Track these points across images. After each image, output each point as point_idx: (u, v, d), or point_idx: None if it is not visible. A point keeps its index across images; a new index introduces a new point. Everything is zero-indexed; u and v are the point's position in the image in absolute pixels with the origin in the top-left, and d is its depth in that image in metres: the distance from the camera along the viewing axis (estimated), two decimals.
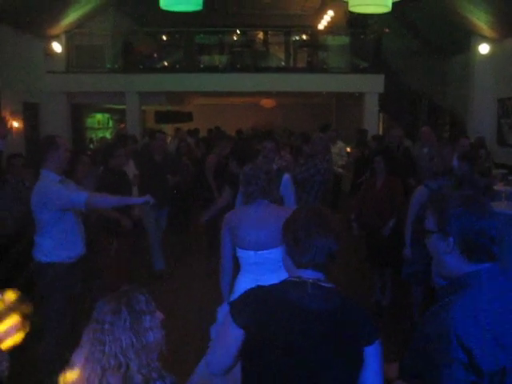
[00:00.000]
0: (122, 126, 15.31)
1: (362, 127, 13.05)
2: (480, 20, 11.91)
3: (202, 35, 15.85)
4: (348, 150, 11.55)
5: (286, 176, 5.32)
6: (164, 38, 16.02)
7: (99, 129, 17.38)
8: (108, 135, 16.20)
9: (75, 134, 14.78)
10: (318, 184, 6.36)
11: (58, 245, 4.26)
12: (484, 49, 12.72)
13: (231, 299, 3.40)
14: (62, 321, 4.30)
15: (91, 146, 15.49)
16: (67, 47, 14.06)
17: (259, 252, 3.58)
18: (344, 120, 18.58)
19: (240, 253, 3.70)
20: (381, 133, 15.20)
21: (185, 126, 17.05)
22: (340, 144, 10.66)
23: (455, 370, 1.69)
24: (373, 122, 14.32)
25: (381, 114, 16.24)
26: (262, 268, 3.62)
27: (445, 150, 6.29)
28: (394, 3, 8.42)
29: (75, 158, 5.24)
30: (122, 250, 5.83)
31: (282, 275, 2.17)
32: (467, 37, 12.96)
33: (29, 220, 4.52)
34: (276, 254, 3.42)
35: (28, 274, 4.74)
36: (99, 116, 17.61)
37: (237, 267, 3.81)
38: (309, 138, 8.31)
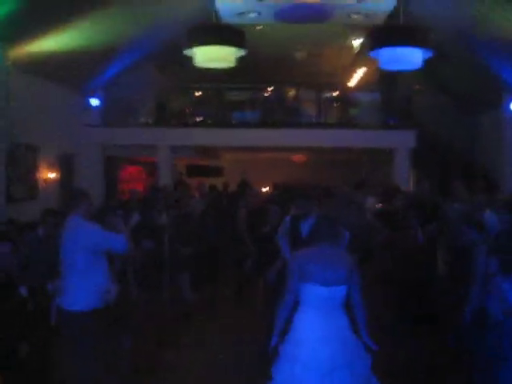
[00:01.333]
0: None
1: (393, 183, 12.96)
2: (510, 77, 11.92)
3: (233, 92, 16.17)
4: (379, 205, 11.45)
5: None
6: (196, 94, 16.39)
7: (131, 181, 17.64)
8: (140, 187, 16.39)
9: (108, 186, 15.02)
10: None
11: (94, 289, 4.28)
12: None
13: (290, 334, 3.83)
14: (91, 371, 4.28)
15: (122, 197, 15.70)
16: (104, 101, 14.49)
17: (330, 288, 3.81)
18: (375, 176, 18.51)
19: (307, 287, 3.85)
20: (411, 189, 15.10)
21: (216, 181, 17.25)
22: (371, 199, 10.59)
23: None
24: (404, 178, 14.23)
25: (412, 171, 16.16)
26: (331, 304, 3.85)
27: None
28: (424, 60, 8.56)
29: (107, 211, 5.29)
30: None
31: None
32: (498, 94, 12.96)
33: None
34: (343, 291, 3.85)
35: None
36: (132, 169, 17.91)
37: None
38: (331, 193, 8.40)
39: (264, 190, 18.69)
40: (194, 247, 7.90)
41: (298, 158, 19.05)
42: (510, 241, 3.99)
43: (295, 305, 3.97)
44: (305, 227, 5.70)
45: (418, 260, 5.94)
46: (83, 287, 4.28)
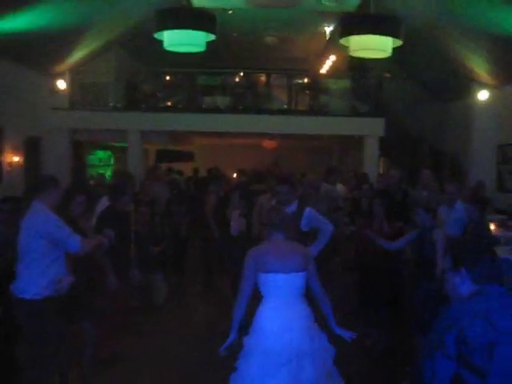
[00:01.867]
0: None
1: (362, 171, 13.06)
2: (479, 67, 12.06)
3: (204, 76, 16.05)
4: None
5: (308, 210, 5.73)
6: (167, 78, 16.23)
7: (100, 166, 17.43)
8: (108, 172, 16.23)
9: (75, 171, 14.79)
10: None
11: (46, 277, 4.21)
12: (483, 95, 12.85)
13: (253, 325, 3.87)
14: (53, 361, 4.22)
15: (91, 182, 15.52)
16: (71, 85, 14.23)
17: (288, 275, 3.88)
18: (344, 163, 18.65)
19: (266, 277, 3.90)
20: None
21: (186, 166, 17.15)
22: (339, 187, 10.64)
23: None
24: (373, 165, 14.35)
25: (381, 158, 16.31)
26: (290, 292, 3.91)
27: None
28: (393, 48, 8.58)
29: (71, 196, 5.19)
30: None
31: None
32: (467, 83, 13.11)
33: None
34: (302, 278, 3.93)
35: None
36: (101, 153, 17.68)
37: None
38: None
39: (235, 175, 18.67)
40: (164, 244, 7.84)
41: (269, 144, 19.04)
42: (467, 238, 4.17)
43: (258, 299, 4.02)
44: None
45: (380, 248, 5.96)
46: (35, 275, 4.19)
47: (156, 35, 8.67)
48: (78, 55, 13.20)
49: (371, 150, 14.50)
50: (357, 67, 15.79)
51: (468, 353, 2.32)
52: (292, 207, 5.72)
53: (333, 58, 18.11)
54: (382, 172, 15.54)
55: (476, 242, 2.73)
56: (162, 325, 6.89)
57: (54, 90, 13.79)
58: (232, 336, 3.99)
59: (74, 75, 14.26)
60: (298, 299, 3.95)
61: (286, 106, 16.01)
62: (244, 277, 3.99)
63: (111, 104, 15.08)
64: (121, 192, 6.12)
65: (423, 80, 15.49)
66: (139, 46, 14.20)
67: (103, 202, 6.73)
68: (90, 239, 4.72)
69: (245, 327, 3.99)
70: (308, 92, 16.41)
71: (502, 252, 6.29)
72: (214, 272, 8.74)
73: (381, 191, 7.65)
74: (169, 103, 15.82)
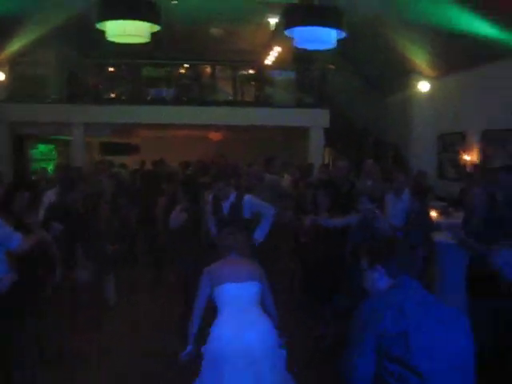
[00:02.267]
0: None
1: (307, 162, 13.22)
2: (419, 59, 12.38)
3: (149, 68, 15.84)
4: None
5: (247, 197, 6.00)
6: (110, 69, 15.94)
7: (42, 160, 16.98)
8: (51, 166, 15.82)
9: (17, 165, 14.38)
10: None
11: None
12: (423, 86, 13.21)
13: (211, 334, 3.96)
14: None
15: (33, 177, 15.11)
16: (10, 76, 13.78)
17: (242, 284, 4.03)
18: (290, 154, 18.78)
19: (222, 288, 4.03)
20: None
21: (131, 159, 16.91)
22: (287, 177, 10.74)
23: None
24: (318, 156, 14.54)
25: (327, 149, 16.53)
26: (246, 301, 4.03)
27: None
28: (338, 41, 8.70)
29: (14, 191, 5.06)
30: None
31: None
32: (407, 75, 13.44)
33: None
34: (256, 286, 4.07)
35: None
36: (42, 147, 17.23)
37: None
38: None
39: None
40: (119, 243, 7.71)
41: (214, 135, 19.00)
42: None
43: (215, 311, 4.14)
44: (226, 206, 5.99)
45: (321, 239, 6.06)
46: None
47: (98, 25, 8.49)
48: (17, 45, 12.79)
49: (316, 141, 14.70)
50: (302, 59, 15.93)
51: (386, 345, 2.42)
52: (231, 199, 5.97)
53: (278, 49, 18.17)
54: (327, 163, 15.78)
55: (388, 239, 2.91)
56: (111, 323, 6.79)
57: None
58: (189, 347, 4.09)
59: (14, 66, 13.82)
60: (254, 307, 4.07)
61: (231, 98, 16.00)
62: (198, 293, 4.11)
63: (53, 96, 14.69)
64: (69, 187, 6.01)
65: (366, 72, 15.78)
66: (81, 36, 13.85)
67: (49, 195, 6.59)
68: (31, 236, 4.63)
69: (203, 337, 4.05)
70: (253, 83, 16.46)
71: (444, 238, 6.51)
72: (163, 267, 8.67)
73: (326, 182, 7.76)
74: (113, 95, 15.54)
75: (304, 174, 10.63)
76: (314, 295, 6.29)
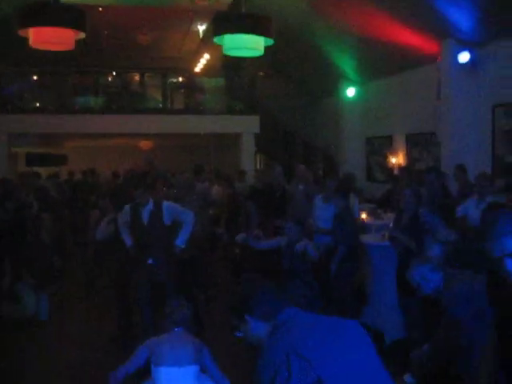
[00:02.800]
0: None
1: (239, 167, 13.28)
2: (346, 65, 12.70)
3: (76, 75, 15.48)
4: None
5: (165, 204, 5.90)
6: (35, 77, 15.47)
7: None
8: None
9: None
10: None
11: None
12: (350, 92, 13.55)
13: None
14: None
15: None
16: None
17: (181, 368, 3.82)
18: (222, 161, 18.82)
19: (162, 371, 3.83)
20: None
21: (59, 169, 16.45)
22: (216, 187, 10.70)
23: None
24: (250, 162, 14.64)
25: (258, 155, 16.67)
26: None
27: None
28: (266, 47, 8.79)
29: None
30: None
31: None
32: (335, 80, 13.75)
33: None
34: (195, 369, 3.89)
35: None
36: None
37: None
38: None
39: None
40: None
41: (145, 144, 18.76)
42: None
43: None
44: (145, 214, 5.87)
45: None
46: None
47: (20, 32, 8.23)
48: None
49: (247, 146, 14.80)
50: (231, 66, 16.02)
51: None
52: (149, 206, 5.87)
53: (207, 56, 18.19)
54: (261, 168, 15.91)
55: (249, 287, 2.63)
56: (45, 338, 6.53)
57: None
58: None
59: None
60: None
61: (161, 105, 15.87)
62: (130, 359, 3.94)
63: None
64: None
65: (296, 78, 16.03)
66: (4, 43, 13.38)
67: None
68: None
69: None
70: (183, 91, 16.39)
71: (373, 239, 6.69)
72: (93, 280, 8.44)
73: (256, 191, 7.85)
74: (37, 104, 15.08)
75: (230, 182, 10.58)
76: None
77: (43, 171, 14.67)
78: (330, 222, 6.43)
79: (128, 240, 5.94)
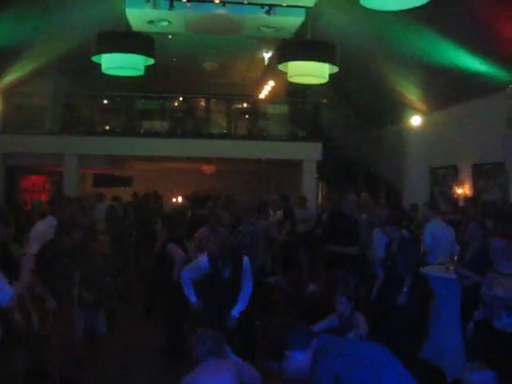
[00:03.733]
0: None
1: (301, 194, 13.24)
2: (411, 93, 12.54)
3: (143, 100, 15.95)
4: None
5: (246, 259, 5.39)
6: (105, 101, 16.04)
7: (34, 191, 16.93)
8: (43, 198, 15.75)
9: (8, 196, 14.32)
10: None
11: None
12: (415, 121, 13.35)
13: None
14: None
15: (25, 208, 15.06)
16: (5, 107, 13.83)
17: None
18: (283, 187, 18.86)
19: None
20: (320, 200, 15.50)
21: (124, 191, 16.89)
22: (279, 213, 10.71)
23: None
24: (312, 189, 14.58)
25: (320, 182, 16.60)
26: None
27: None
28: (330, 75, 8.82)
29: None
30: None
31: None
32: (400, 109, 13.59)
33: None
34: None
35: None
36: (35, 178, 17.19)
37: None
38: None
39: (174, 200, 18.54)
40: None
41: (208, 168, 19.04)
42: None
43: None
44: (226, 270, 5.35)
45: None
46: None
47: (94, 58, 8.58)
48: (12, 76, 12.87)
49: (309, 173, 14.74)
50: (295, 93, 16.12)
51: None
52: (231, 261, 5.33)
53: (271, 83, 18.39)
54: (320, 195, 15.84)
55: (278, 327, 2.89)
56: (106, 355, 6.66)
57: None
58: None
59: (9, 97, 13.88)
60: None
61: (225, 131, 16.10)
62: None
63: (47, 127, 14.74)
64: (71, 225, 5.86)
65: (359, 105, 15.94)
66: (77, 68, 13.98)
67: (40, 227, 6.52)
68: (18, 284, 4.24)
69: None
70: (247, 117, 16.58)
71: (436, 270, 6.47)
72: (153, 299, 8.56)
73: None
74: (107, 127, 15.61)
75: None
76: None
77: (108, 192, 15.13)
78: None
79: (193, 297, 5.43)
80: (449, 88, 11.17)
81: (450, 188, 12.09)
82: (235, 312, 5.24)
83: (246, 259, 5.39)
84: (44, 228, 6.46)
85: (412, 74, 11.59)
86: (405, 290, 5.86)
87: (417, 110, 13.31)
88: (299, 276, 8.46)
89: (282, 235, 9.58)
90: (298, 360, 2.65)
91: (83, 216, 7.85)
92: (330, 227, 8.17)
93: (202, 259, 5.37)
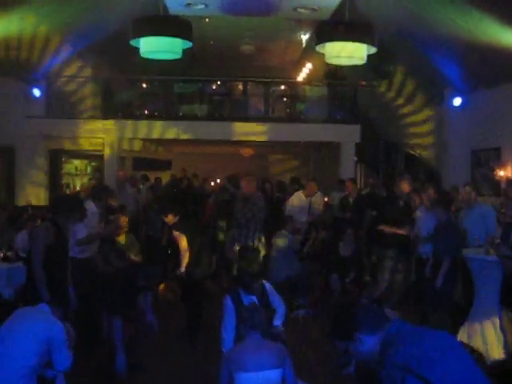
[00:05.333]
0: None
1: (339, 177, 13.17)
2: (452, 73, 12.26)
3: (181, 84, 16.04)
4: (326, 199, 11.64)
5: (268, 286, 5.17)
6: (144, 85, 16.20)
7: (77, 175, 17.28)
8: (85, 180, 16.07)
9: (51, 179, 14.67)
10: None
11: None
12: (456, 101, 13.06)
13: None
14: None
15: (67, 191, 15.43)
16: (47, 92, 14.12)
17: (264, 372, 3.72)
18: (322, 170, 18.78)
19: (239, 378, 3.73)
20: (359, 182, 15.38)
21: (163, 174, 17.11)
22: (318, 194, 10.70)
23: None
24: (350, 171, 14.46)
25: (359, 165, 16.45)
26: None
27: None
28: (368, 56, 8.70)
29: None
30: None
31: None
32: (440, 89, 13.31)
33: None
34: (278, 374, 3.75)
35: None
36: (77, 162, 17.54)
37: None
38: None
39: (212, 183, 18.66)
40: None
41: (246, 151, 19.09)
42: None
43: None
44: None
45: None
46: None
47: (132, 42, 8.67)
48: (53, 62, 13.12)
49: (347, 156, 14.62)
50: (333, 74, 15.95)
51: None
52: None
53: (309, 65, 18.26)
54: (360, 178, 15.74)
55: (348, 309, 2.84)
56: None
57: (30, 98, 13.70)
58: None
59: (51, 82, 14.16)
60: None
61: (263, 114, 16.07)
62: (219, 382, 3.91)
63: (87, 112, 15.01)
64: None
65: (399, 87, 15.68)
66: (116, 53, 14.16)
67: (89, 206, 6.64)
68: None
69: None
70: (285, 99, 16.51)
71: (476, 252, 6.36)
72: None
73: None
74: (146, 111, 15.78)
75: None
76: None
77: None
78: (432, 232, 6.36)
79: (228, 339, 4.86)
80: (491, 67, 10.87)
81: (492, 171, 11.83)
82: (278, 322, 5.04)
83: (268, 285, 5.16)
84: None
85: (453, 52, 11.31)
86: (442, 273, 5.82)
87: (458, 90, 13.01)
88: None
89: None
90: (369, 344, 2.57)
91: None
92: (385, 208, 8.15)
93: (227, 306, 4.90)
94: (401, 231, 7.40)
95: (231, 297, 4.89)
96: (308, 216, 10.12)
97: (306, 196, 10.29)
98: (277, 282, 6.08)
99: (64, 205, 5.34)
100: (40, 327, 3.79)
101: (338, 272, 8.26)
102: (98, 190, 7.37)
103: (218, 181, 15.55)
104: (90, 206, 6.63)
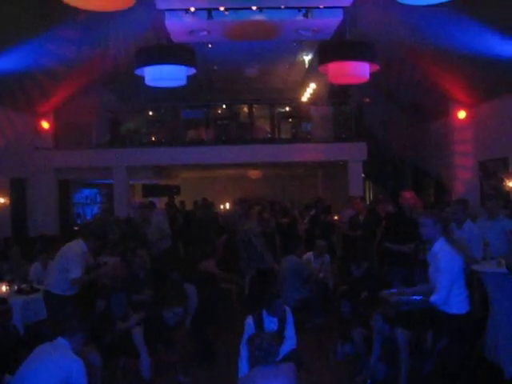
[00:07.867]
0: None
1: (349, 194, 13.16)
2: (455, 86, 12.31)
3: (187, 109, 16.17)
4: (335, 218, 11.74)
5: (289, 315, 5.18)
6: (150, 113, 16.35)
7: (87, 204, 17.40)
8: (95, 210, 16.20)
9: (62, 210, 14.78)
10: None
11: None
12: (461, 114, 13.11)
13: None
14: None
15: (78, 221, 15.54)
16: (55, 124, 14.30)
17: None
18: (330, 188, 18.79)
19: None
20: (368, 199, 15.39)
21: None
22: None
23: None
24: (358, 188, 14.45)
25: (367, 182, 16.46)
26: None
27: None
28: (371, 73, 8.80)
29: None
30: None
31: None
32: (445, 103, 13.35)
33: None
34: None
35: None
36: (87, 191, 17.67)
37: None
38: None
39: (222, 207, 18.71)
40: None
41: (254, 173, 19.14)
42: None
43: None
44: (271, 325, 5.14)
45: None
46: None
47: (137, 71, 8.81)
48: (61, 95, 13.30)
49: (355, 174, 14.61)
50: (337, 93, 16.04)
51: None
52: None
53: (313, 85, 18.38)
54: (368, 195, 15.72)
55: None
56: None
57: (39, 130, 13.90)
58: None
59: (58, 114, 14.34)
60: None
61: (269, 135, 16.14)
62: None
63: (95, 142, 15.16)
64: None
65: (402, 102, 15.75)
66: (121, 83, 14.35)
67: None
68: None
69: None
70: (290, 120, 16.59)
71: (488, 266, 6.33)
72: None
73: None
74: (153, 138, 15.91)
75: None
76: None
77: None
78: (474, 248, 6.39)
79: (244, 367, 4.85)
80: (494, 79, 10.92)
81: (501, 181, 11.80)
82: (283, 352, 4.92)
83: (290, 315, 5.15)
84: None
85: (455, 66, 11.38)
86: None
87: (462, 103, 13.06)
88: None
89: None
90: None
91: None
92: (389, 225, 8.09)
93: (248, 326, 4.98)
94: (405, 249, 7.32)
95: (253, 317, 4.97)
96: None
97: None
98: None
99: None
100: (58, 366, 3.81)
101: (347, 298, 8.08)
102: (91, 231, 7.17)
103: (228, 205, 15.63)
104: (82, 246, 6.32)
